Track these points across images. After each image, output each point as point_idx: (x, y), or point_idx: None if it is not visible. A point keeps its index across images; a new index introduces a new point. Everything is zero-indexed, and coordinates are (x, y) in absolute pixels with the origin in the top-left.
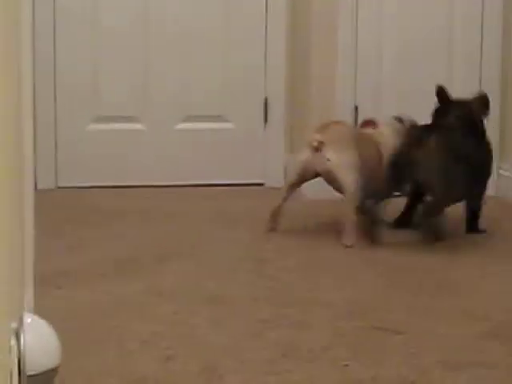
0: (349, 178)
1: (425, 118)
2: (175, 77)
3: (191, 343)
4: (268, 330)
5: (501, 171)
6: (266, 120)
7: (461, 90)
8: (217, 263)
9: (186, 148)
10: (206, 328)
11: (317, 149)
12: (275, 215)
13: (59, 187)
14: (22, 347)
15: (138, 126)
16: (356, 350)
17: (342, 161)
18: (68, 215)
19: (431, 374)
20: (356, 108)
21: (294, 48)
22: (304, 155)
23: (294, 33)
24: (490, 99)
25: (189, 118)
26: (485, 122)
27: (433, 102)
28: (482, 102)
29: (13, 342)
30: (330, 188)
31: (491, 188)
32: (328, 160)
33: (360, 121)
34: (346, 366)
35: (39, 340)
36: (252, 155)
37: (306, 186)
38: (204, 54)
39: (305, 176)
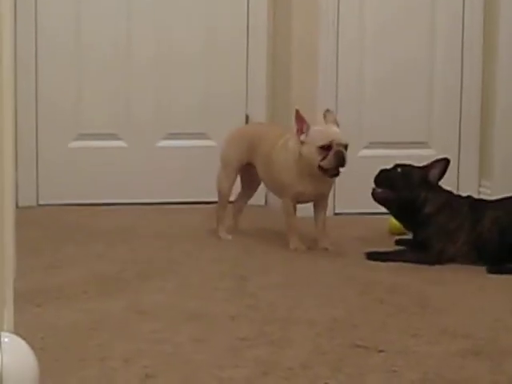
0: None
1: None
2: (157, 94)
3: (172, 361)
4: (248, 347)
5: (481, 189)
6: None
7: (440, 118)
8: (198, 281)
9: (167, 165)
10: (187, 346)
11: None
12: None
13: (40, 205)
14: None
15: (119, 143)
16: (336, 368)
17: (221, 155)
18: (49, 233)
19: None
20: None
21: (276, 65)
22: None
23: (275, 50)
24: (471, 124)
25: (170, 136)
26: None
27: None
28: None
29: None
30: (310, 205)
31: None
32: None
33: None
34: None
35: (17, 359)
36: None
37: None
38: (186, 72)
39: None
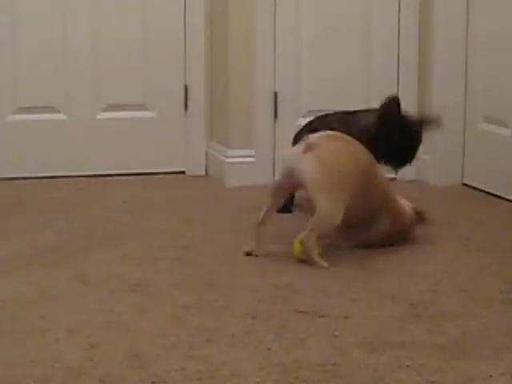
0: (323, 199)
1: (341, 103)
2: (95, 66)
3: (115, 331)
4: (190, 315)
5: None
6: (186, 108)
7: (378, 77)
8: (140, 251)
9: (107, 137)
10: (130, 315)
11: (306, 148)
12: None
13: None
14: None
15: (59, 116)
16: (279, 334)
17: (319, 179)
18: None
19: (353, 356)
20: (275, 94)
21: (213, 35)
22: (291, 150)
23: (212, 20)
24: (408, 85)
25: (110, 108)
26: None
27: (349, 89)
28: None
29: None
30: (250, 175)
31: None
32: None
33: None
34: (269, 349)
35: None
36: (173, 143)
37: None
38: (123, 43)
39: (288, 180)
